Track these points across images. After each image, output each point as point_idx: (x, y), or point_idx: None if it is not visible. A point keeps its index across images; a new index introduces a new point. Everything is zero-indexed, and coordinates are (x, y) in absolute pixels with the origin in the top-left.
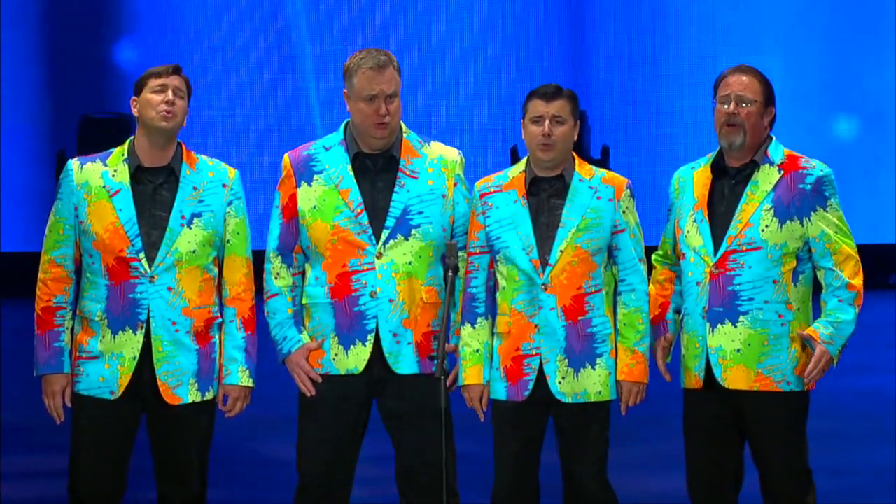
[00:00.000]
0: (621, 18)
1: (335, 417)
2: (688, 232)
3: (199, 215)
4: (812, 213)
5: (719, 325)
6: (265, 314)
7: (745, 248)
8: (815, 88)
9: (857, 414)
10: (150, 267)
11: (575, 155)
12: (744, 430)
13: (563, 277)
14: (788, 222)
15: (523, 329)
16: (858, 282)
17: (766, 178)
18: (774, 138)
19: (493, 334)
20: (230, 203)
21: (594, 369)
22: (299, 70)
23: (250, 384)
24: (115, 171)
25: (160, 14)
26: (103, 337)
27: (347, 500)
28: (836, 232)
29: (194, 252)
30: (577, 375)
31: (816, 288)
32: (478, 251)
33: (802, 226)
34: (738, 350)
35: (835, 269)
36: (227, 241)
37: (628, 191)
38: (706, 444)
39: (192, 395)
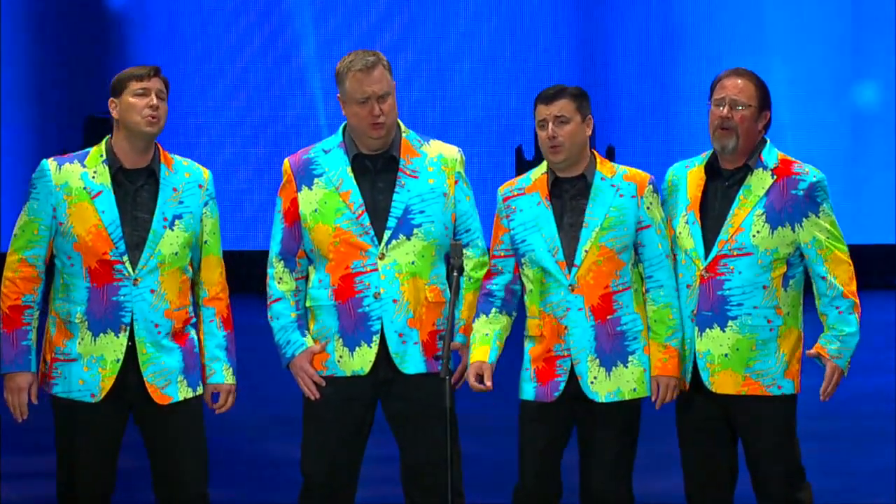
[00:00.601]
0: (627, 18)
1: (340, 419)
2: (679, 233)
3: (179, 217)
4: (804, 220)
5: (707, 330)
6: (268, 318)
7: (735, 252)
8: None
9: (858, 414)
10: (133, 269)
11: (595, 153)
12: (736, 431)
13: (589, 277)
14: (780, 228)
15: (553, 331)
16: (853, 288)
17: (759, 183)
18: (769, 142)
19: (523, 337)
20: (206, 204)
21: (626, 367)
22: (301, 61)
23: (234, 381)
24: (94, 172)
25: (163, 11)
26: (82, 339)
27: (352, 500)
28: (827, 238)
29: (176, 254)
30: (609, 374)
31: (807, 292)
32: (502, 254)
33: (794, 232)
34: (726, 355)
35: (828, 276)
36: (205, 242)
37: (651, 186)
38: (700, 444)
39: (181, 393)
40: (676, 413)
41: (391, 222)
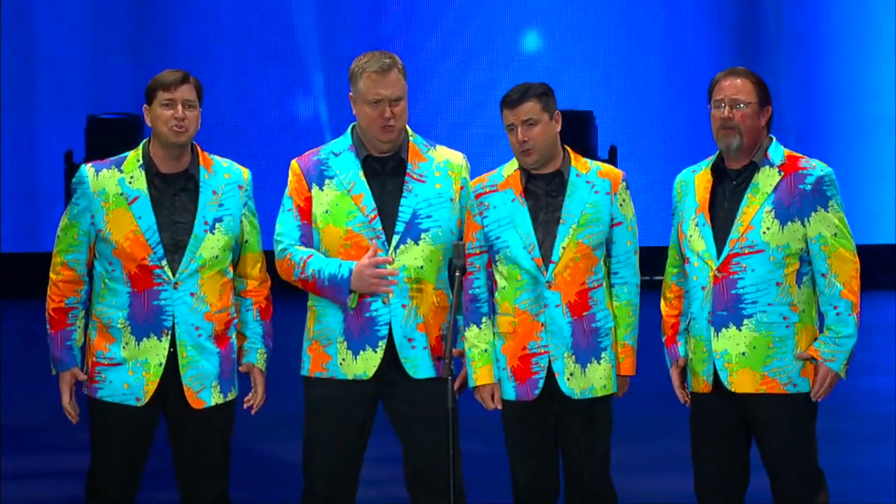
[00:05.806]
0: (628, 17)
1: (342, 421)
2: (690, 236)
3: (220, 220)
4: (812, 213)
5: (724, 329)
6: (310, 274)
7: (747, 250)
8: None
9: (858, 415)
10: (173, 274)
11: (569, 149)
12: (752, 432)
13: (566, 274)
14: (790, 223)
15: (529, 328)
16: (854, 287)
17: (767, 180)
18: (774, 139)
19: (494, 334)
20: (245, 204)
21: (599, 363)
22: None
23: (263, 367)
24: (131, 177)
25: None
26: (126, 344)
27: (353, 501)
28: (833, 235)
29: (217, 257)
30: (584, 371)
31: None
32: (476, 252)
33: (804, 226)
34: (744, 353)
35: (828, 274)
36: (245, 241)
37: (624, 183)
38: (714, 447)
39: (214, 398)
40: (692, 413)
41: (399, 227)
